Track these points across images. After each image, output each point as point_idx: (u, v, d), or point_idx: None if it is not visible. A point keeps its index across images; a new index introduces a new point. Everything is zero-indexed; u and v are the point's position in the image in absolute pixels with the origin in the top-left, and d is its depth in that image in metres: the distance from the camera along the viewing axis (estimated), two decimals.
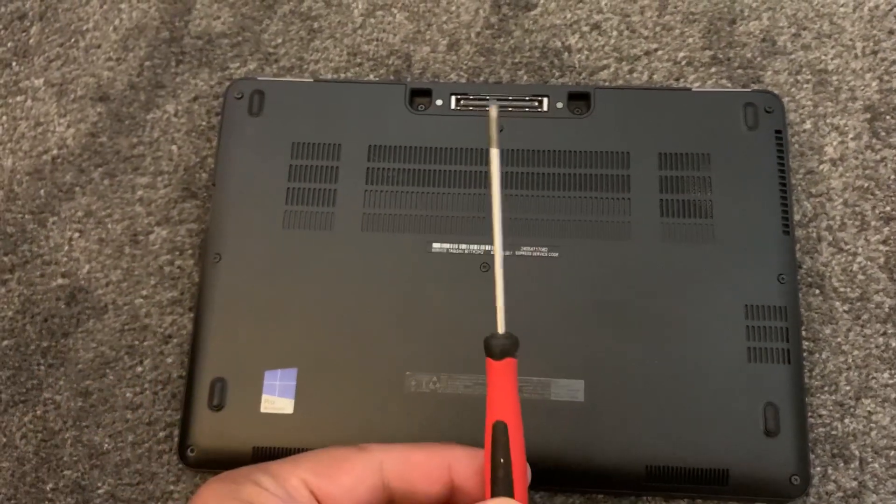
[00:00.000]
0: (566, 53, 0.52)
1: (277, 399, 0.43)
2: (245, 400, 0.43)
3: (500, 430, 0.28)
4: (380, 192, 0.47)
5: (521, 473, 0.28)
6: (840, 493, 0.43)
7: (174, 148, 0.51)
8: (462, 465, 0.29)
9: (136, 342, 0.47)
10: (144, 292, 0.48)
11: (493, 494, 0.28)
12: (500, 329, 0.31)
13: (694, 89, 0.49)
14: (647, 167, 0.47)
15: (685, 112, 0.48)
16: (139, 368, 0.47)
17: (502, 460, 0.28)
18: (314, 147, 0.48)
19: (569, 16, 0.53)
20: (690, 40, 0.52)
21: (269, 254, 0.46)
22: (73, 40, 0.54)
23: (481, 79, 0.52)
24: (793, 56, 0.51)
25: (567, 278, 0.45)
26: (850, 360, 0.46)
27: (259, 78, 0.50)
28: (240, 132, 0.48)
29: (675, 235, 0.45)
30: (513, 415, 0.29)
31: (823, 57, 0.51)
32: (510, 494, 0.27)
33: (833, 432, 0.44)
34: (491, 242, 0.45)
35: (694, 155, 0.47)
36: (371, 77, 0.52)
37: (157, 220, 0.50)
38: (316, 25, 0.54)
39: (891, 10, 0.52)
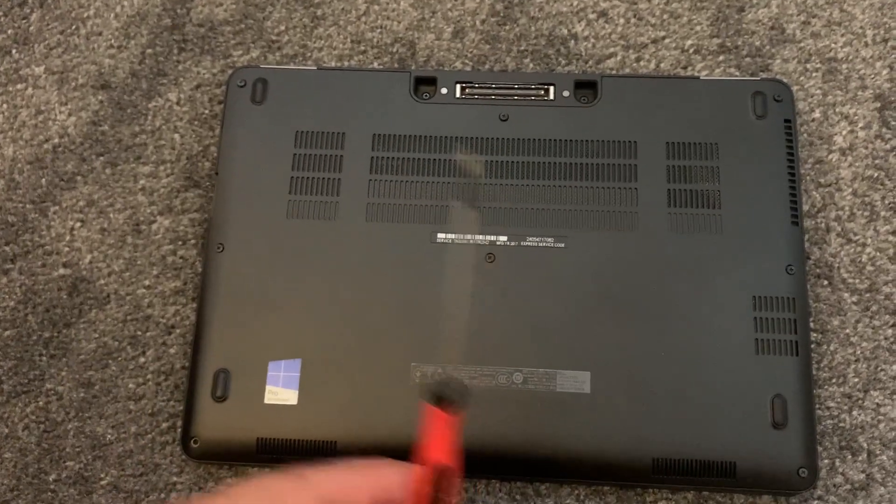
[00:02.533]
0: (572, 41, 0.52)
1: (281, 390, 0.43)
2: (249, 391, 0.43)
3: (446, 473, 0.30)
4: (384, 182, 0.46)
5: None
6: (847, 486, 0.43)
7: (176, 136, 0.51)
8: (395, 483, 0.31)
9: (139, 333, 0.47)
10: (147, 282, 0.48)
11: None
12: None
13: (702, 78, 0.48)
14: (654, 156, 0.46)
15: (693, 101, 0.47)
16: (142, 359, 0.47)
17: (443, 498, 0.30)
18: (318, 136, 0.47)
19: (575, 3, 0.53)
20: (698, 28, 0.51)
21: (273, 244, 0.45)
22: (73, 27, 0.54)
23: (486, 67, 0.51)
24: (802, 44, 0.51)
25: (573, 269, 0.44)
26: (858, 352, 0.45)
27: (262, 66, 0.50)
28: (243, 121, 0.48)
29: (683, 226, 0.45)
30: (455, 460, 0.31)
31: (833, 45, 0.51)
32: None
33: (841, 424, 0.44)
34: (495, 235, 0.45)
35: (702, 144, 0.46)
36: (375, 65, 0.52)
37: (160, 209, 0.49)
38: (319, 13, 0.53)
39: None
